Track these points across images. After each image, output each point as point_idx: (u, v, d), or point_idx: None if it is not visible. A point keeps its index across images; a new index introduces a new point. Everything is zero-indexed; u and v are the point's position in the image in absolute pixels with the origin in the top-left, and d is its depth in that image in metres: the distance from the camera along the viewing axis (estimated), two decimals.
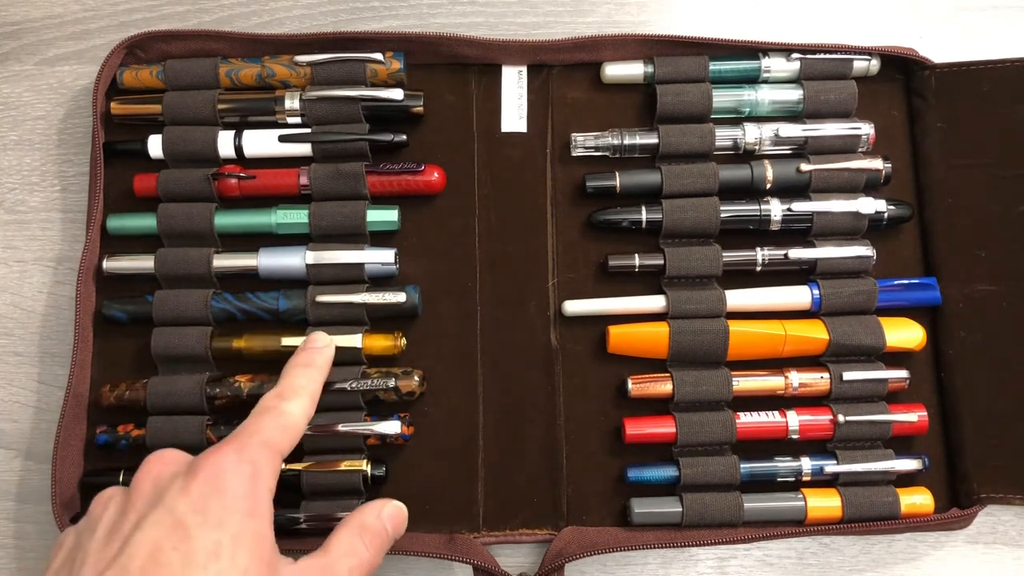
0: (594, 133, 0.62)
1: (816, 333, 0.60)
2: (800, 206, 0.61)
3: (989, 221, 0.61)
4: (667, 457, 0.60)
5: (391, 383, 0.58)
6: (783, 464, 0.59)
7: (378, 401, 0.59)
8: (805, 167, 0.61)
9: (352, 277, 0.60)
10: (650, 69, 0.63)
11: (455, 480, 0.60)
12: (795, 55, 0.62)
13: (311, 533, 0.57)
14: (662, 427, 0.59)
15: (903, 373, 0.60)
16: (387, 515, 0.51)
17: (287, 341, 0.59)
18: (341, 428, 0.58)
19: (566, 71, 0.64)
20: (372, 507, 0.51)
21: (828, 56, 0.62)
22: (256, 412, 0.48)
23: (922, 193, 0.63)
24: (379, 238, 0.62)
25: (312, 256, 0.60)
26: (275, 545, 0.44)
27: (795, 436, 0.60)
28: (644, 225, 0.61)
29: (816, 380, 0.60)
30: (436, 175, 0.61)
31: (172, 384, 0.59)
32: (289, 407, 0.48)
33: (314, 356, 0.53)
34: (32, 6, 0.68)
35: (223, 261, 0.60)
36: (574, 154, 0.63)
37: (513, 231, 0.63)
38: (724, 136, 0.62)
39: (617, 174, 0.62)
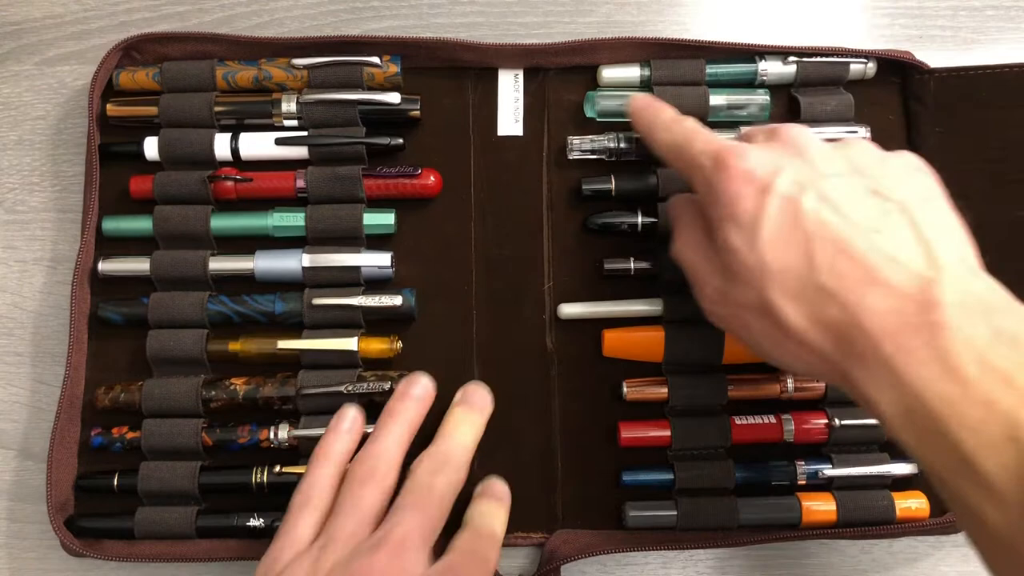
0: (590, 136, 0.62)
1: None
2: None
3: (987, 226, 0.61)
4: (662, 460, 0.60)
5: (387, 386, 0.58)
6: (778, 468, 0.59)
7: (374, 404, 0.59)
8: None
9: (348, 280, 0.60)
10: (647, 72, 0.63)
11: None
12: (791, 58, 0.62)
13: None
14: (657, 431, 0.59)
15: None
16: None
17: (283, 344, 0.59)
18: None
19: (562, 74, 0.64)
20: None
21: (824, 59, 0.62)
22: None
23: None
24: (375, 241, 0.62)
25: (308, 259, 0.60)
26: None
27: (790, 440, 0.59)
28: (640, 228, 0.61)
29: (811, 384, 0.60)
30: (432, 179, 0.61)
31: (167, 386, 0.59)
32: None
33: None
34: (32, 6, 0.68)
35: (219, 264, 0.60)
36: (570, 157, 0.62)
37: (509, 234, 0.63)
38: None
39: (613, 177, 0.62)
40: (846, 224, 0.44)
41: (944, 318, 0.40)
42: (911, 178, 0.48)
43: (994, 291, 0.42)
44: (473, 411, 0.57)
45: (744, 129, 0.54)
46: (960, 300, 0.41)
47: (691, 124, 0.52)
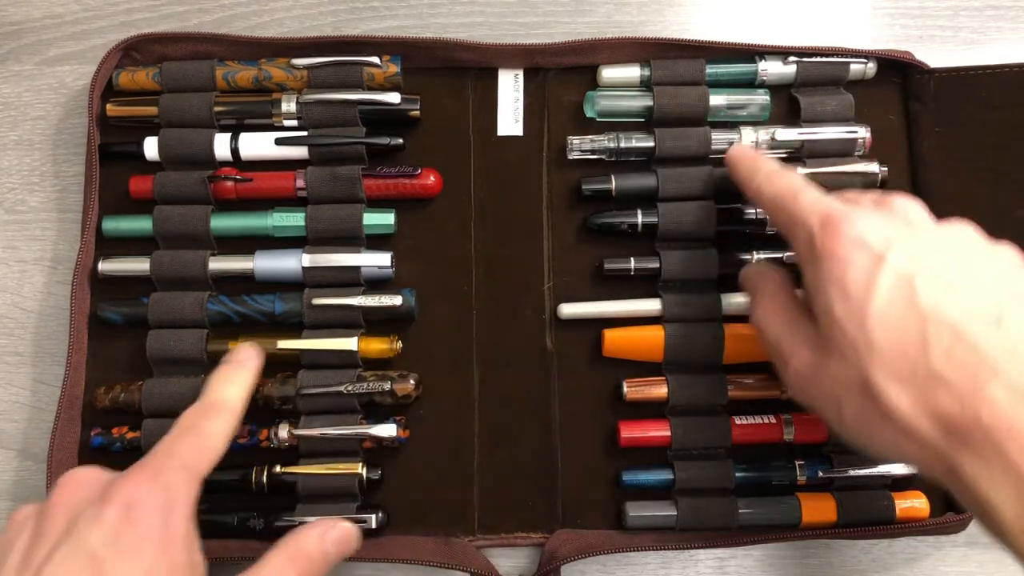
0: (590, 136, 0.62)
1: None
2: None
3: (987, 226, 0.61)
4: (662, 460, 0.60)
5: (387, 386, 0.58)
6: (778, 468, 0.59)
7: (374, 404, 0.59)
8: (801, 171, 0.61)
9: (348, 280, 0.60)
10: (647, 72, 0.62)
11: (450, 483, 0.60)
12: (791, 58, 0.62)
13: None
14: (657, 431, 0.59)
15: None
16: (332, 538, 0.48)
17: (283, 344, 0.59)
18: (337, 431, 0.58)
19: (562, 74, 0.64)
20: (315, 529, 0.48)
21: (824, 60, 0.62)
22: (175, 430, 0.47)
23: (919, 197, 0.63)
24: (375, 241, 0.62)
25: (308, 259, 0.60)
26: (196, 573, 0.43)
27: (790, 440, 0.59)
28: (640, 228, 0.61)
29: None
30: (432, 179, 0.61)
31: (167, 386, 0.59)
32: (210, 426, 0.48)
33: (239, 369, 0.52)
34: (32, 6, 0.68)
35: (219, 264, 0.60)
36: (570, 157, 0.62)
37: (509, 234, 0.63)
38: (720, 139, 0.62)
39: (613, 177, 0.61)
40: (964, 310, 0.42)
41: None
42: (1021, 272, 0.46)
43: None
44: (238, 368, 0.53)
45: (848, 193, 0.52)
46: None
47: (797, 179, 0.51)
